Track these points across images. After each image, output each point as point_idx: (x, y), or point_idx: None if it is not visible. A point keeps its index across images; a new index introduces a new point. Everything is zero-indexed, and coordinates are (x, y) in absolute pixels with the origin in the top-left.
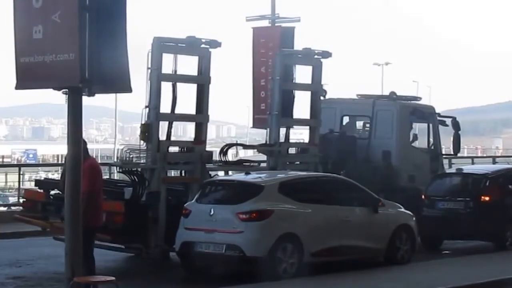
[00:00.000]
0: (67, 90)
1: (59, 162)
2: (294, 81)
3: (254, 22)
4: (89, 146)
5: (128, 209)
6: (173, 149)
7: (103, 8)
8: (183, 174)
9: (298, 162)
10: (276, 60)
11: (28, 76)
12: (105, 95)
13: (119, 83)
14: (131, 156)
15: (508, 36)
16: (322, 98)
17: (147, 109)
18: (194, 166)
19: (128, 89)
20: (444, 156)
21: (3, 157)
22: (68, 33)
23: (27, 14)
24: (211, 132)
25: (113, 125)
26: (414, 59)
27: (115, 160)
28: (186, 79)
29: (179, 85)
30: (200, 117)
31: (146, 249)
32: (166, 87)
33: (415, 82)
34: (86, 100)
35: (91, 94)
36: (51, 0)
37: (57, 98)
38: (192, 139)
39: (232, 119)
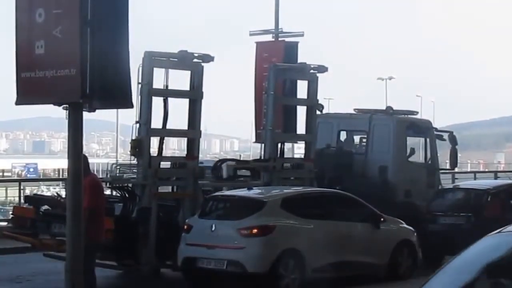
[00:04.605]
0: (67, 105)
1: (60, 176)
2: (296, 96)
3: (257, 37)
4: (90, 160)
5: (118, 225)
6: (165, 164)
7: (104, 23)
8: (175, 189)
9: (293, 178)
10: (270, 74)
11: (29, 92)
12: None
13: (120, 98)
14: (121, 171)
15: None
16: (319, 113)
17: (138, 124)
18: (186, 182)
19: (129, 105)
20: (441, 171)
21: (3, 171)
22: (69, 48)
23: (30, 29)
24: (215, 146)
25: (115, 139)
26: (418, 74)
27: (106, 175)
28: (178, 94)
29: (172, 100)
30: (192, 133)
31: (136, 265)
32: (158, 102)
33: (418, 97)
34: (87, 113)
35: (91, 109)
36: (53, 15)
37: (58, 112)
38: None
39: (236, 134)
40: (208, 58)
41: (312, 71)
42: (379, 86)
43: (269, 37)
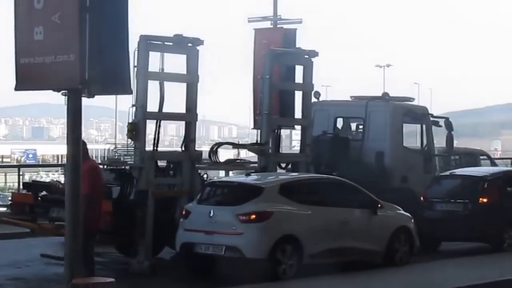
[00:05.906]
0: (66, 91)
1: (59, 162)
2: (295, 81)
3: (256, 24)
4: (88, 146)
5: (116, 208)
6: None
7: (104, 9)
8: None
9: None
10: (266, 59)
11: (28, 77)
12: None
13: (118, 84)
14: (118, 154)
15: (508, 39)
16: (315, 100)
17: (134, 107)
18: (182, 179)
19: (128, 91)
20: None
21: (2, 157)
22: (68, 34)
23: (29, 15)
24: (213, 132)
25: (113, 125)
26: (416, 61)
27: (103, 159)
28: (174, 77)
29: (169, 85)
30: (189, 116)
31: (133, 256)
32: (155, 88)
33: (416, 84)
34: (86, 99)
35: (90, 95)
36: (52, 1)
37: (57, 98)
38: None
39: (234, 120)
40: (197, 42)
41: (306, 56)
42: (377, 73)
43: (267, 24)
